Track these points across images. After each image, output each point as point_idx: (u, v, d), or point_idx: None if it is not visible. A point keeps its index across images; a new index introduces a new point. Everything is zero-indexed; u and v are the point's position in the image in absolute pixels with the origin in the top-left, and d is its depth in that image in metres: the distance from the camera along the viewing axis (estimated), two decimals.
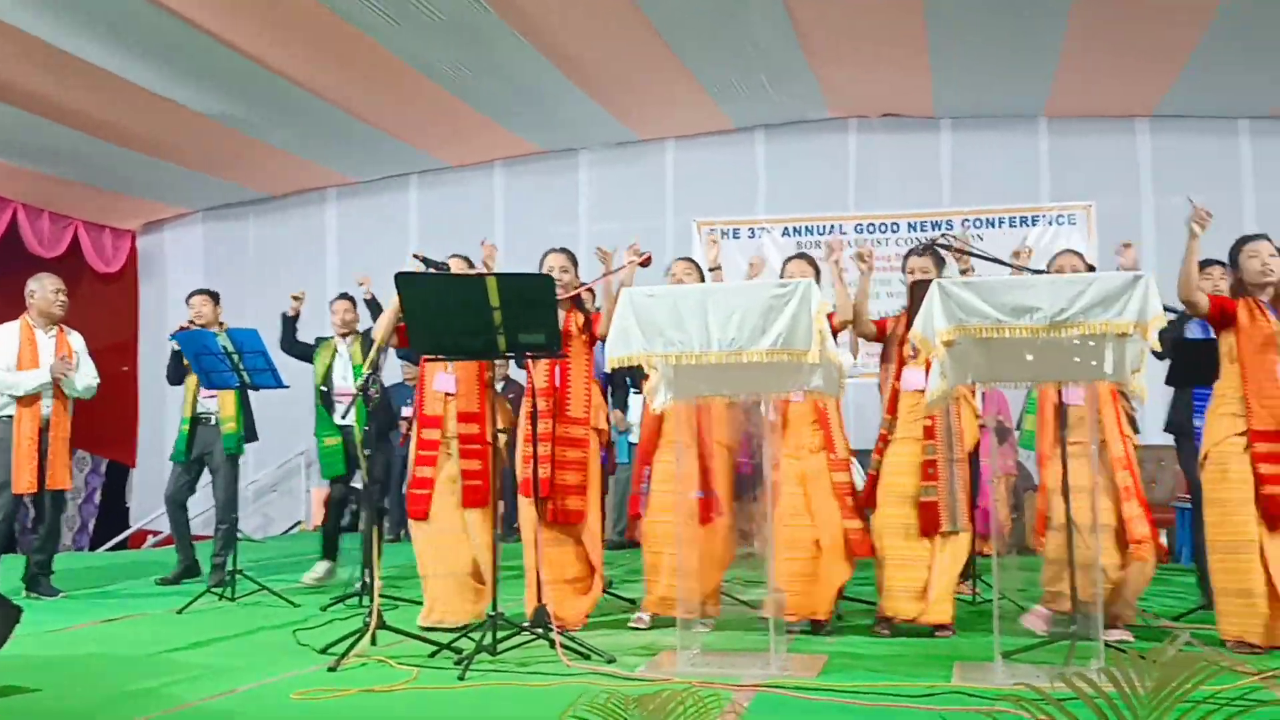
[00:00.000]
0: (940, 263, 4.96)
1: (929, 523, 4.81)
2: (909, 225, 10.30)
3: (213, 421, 6.72)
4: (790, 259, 5.35)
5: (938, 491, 4.83)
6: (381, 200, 11.47)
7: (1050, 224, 10.11)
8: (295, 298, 6.95)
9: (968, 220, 10.16)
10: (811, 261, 5.23)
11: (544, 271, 5.00)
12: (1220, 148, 9.78)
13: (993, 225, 10.17)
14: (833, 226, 10.39)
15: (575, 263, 5.22)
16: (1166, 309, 3.89)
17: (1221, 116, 9.69)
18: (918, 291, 3.98)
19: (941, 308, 3.81)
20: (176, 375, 6.84)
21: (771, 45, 8.61)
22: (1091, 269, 5.29)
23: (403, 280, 4.02)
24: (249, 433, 6.81)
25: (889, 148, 10.40)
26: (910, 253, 4.94)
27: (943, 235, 5.32)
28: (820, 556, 4.83)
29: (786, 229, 10.51)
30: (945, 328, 3.80)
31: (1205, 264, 5.54)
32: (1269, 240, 4.63)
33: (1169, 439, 5.98)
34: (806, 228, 10.50)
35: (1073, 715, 1.88)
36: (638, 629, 4.98)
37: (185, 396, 6.79)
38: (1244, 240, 4.70)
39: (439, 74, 8.75)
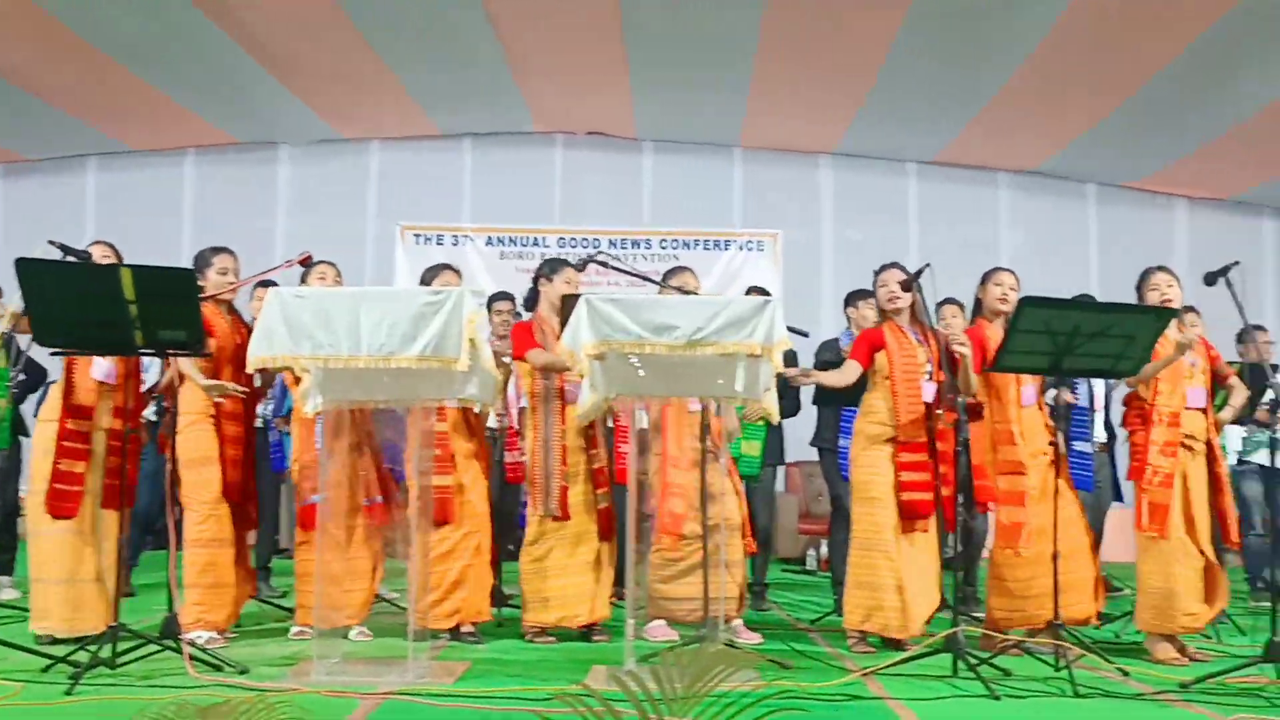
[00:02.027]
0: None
1: (605, 530, 4.98)
2: (611, 242, 10.55)
3: None
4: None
5: (609, 499, 5.01)
6: (54, 181, 10.61)
7: (741, 249, 10.62)
8: None
9: (665, 241, 10.53)
10: None
11: None
12: (892, 186, 10.64)
13: (689, 247, 10.58)
14: (538, 239, 10.52)
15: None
16: (793, 330, 4.19)
17: (893, 159, 10.54)
18: (568, 304, 4.09)
19: (588, 322, 3.93)
20: None
21: (477, 58, 8.65)
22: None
23: (23, 267, 3.74)
24: None
25: (594, 165, 10.64)
26: (561, 264, 5.08)
27: (597, 253, 5.46)
28: (474, 564, 4.85)
29: (491, 239, 10.54)
30: (591, 341, 3.93)
31: (944, 302, 6.05)
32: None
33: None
34: (511, 238, 10.57)
35: (616, 713, 1.98)
36: (301, 639, 4.82)
37: None
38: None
39: (122, 50, 8.23)
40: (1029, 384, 4.90)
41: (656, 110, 9.87)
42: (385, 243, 10.36)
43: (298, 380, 4.35)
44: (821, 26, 7.81)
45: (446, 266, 5.16)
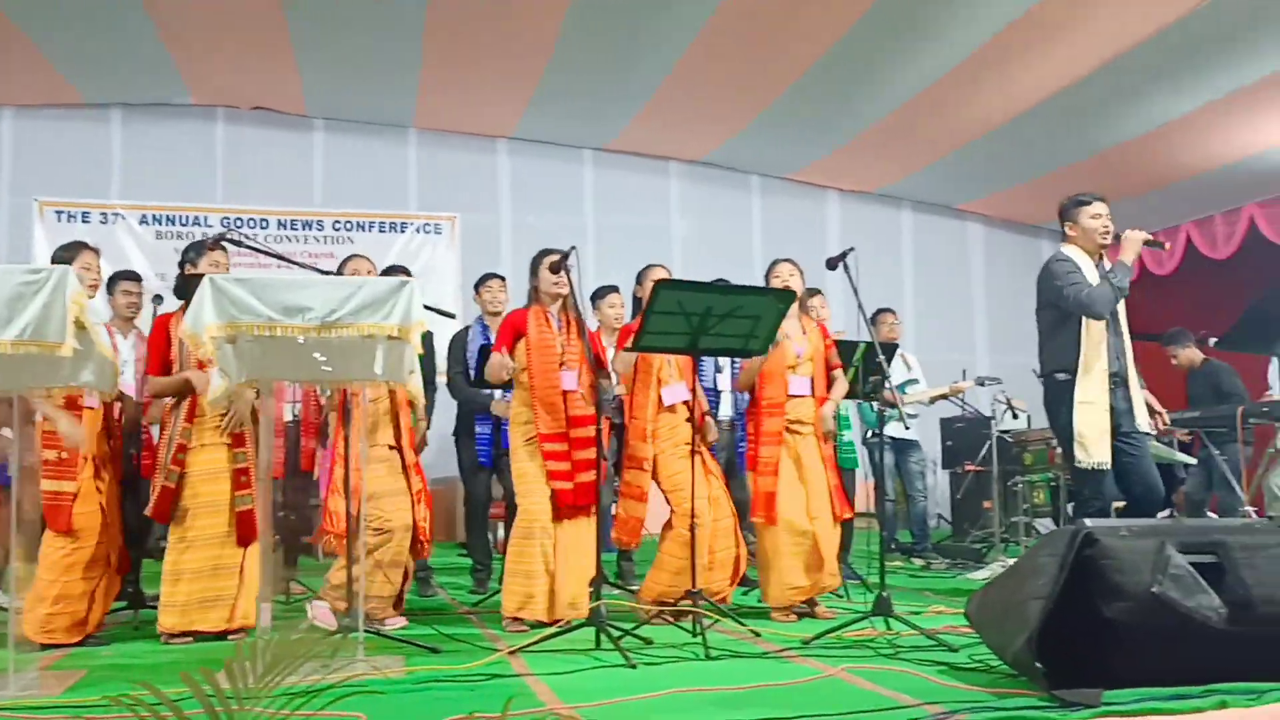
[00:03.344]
0: None
1: (246, 532, 4.71)
2: (279, 222, 10.12)
3: None
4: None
5: (253, 499, 4.74)
6: None
7: (419, 232, 10.47)
8: None
9: (339, 223, 10.21)
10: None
11: None
12: (568, 173, 10.79)
13: (364, 229, 10.31)
14: (198, 218, 9.91)
15: None
16: (437, 311, 4.14)
17: (569, 145, 10.69)
18: (188, 283, 3.86)
19: (213, 303, 3.72)
20: None
21: (123, 24, 8.01)
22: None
23: None
24: None
25: (260, 142, 10.14)
26: (203, 246, 4.78)
27: (231, 231, 5.21)
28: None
29: (145, 216, 9.83)
30: (216, 323, 3.71)
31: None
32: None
33: None
34: (169, 216, 9.90)
35: (180, 713, 1.87)
36: None
37: None
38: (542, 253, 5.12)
39: None
40: (674, 384, 5.14)
41: (326, 87, 9.52)
42: (22, 220, 9.44)
43: None
44: (488, 9, 7.79)
45: (83, 245, 4.74)
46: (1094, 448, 4.78)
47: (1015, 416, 8.20)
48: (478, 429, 6.16)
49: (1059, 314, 4.93)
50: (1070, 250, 4.98)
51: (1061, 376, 4.87)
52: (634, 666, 3.84)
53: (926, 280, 11.47)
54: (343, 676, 3.15)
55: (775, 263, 5.20)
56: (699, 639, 4.22)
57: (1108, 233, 4.98)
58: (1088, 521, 3.38)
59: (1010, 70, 7.93)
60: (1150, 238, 4.92)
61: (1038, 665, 3.23)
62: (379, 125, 10.31)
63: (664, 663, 3.96)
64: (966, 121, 9.01)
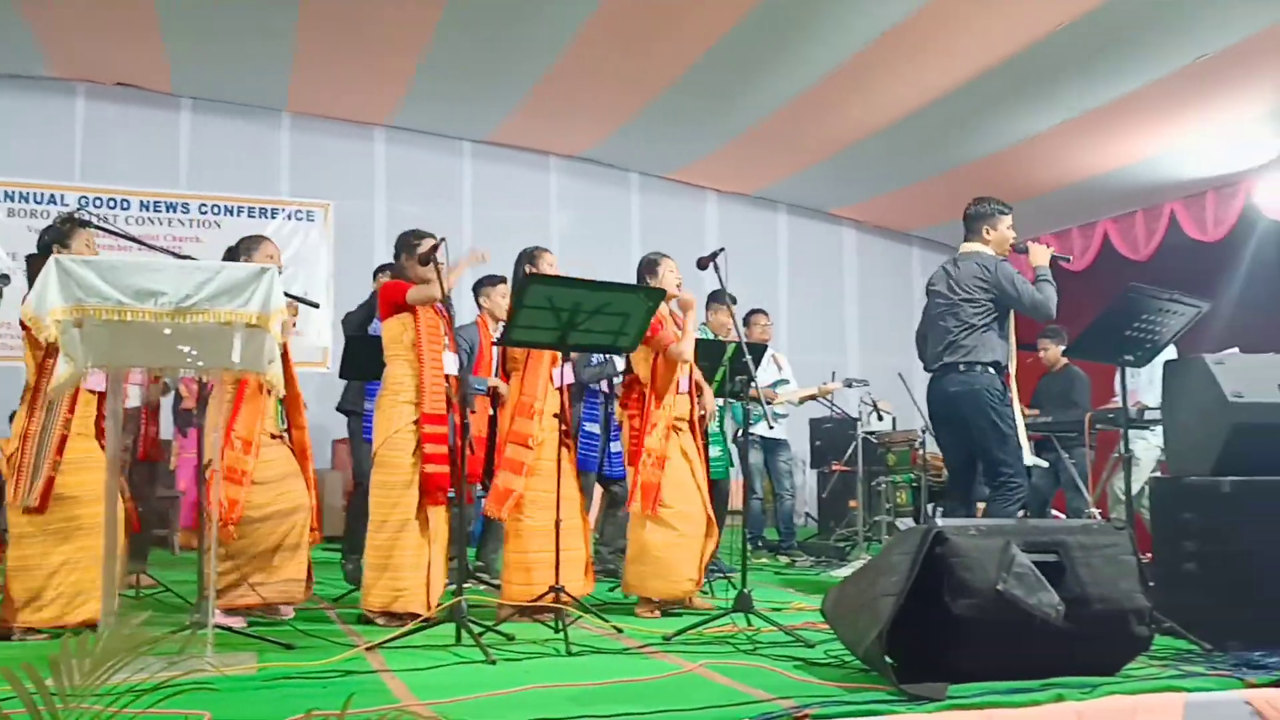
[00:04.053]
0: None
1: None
2: (142, 204, 9.78)
3: None
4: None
5: None
6: None
7: (290, 218, 10.22)
8: None
9: (205, 206, 9.90)
10: None
11: None
12: (447, 164, 10.66)
13: (232, 214, 10.02)
14: (54, 196, 9.48)
15: None
16: (300, 300, 4.04)
17: (448, 136, 10.56)
18: (34, 264, 3.68)
19: (58, 285, 3.55)
20: None
21: None
22: None
23: None
24: None
25: (123, 119, 9.75)
26: (75, 223, 4.54)
27: (81, 211, 5.00)
28: None
29: None
30: (61, 306, 3.55)
31: (753, 313, 6.03)
32: None
33: None
34: (23, 194, 9.46)
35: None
36: None
37: None
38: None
39: None
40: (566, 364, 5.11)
41: (194, 65, 9.20)
42: None
43: None
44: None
45: None
46: (1024, 442, 5.13)
47: (880, 418, 8.42)
48: (366, 405, 6.03)
49: (996, 310, 5.16)
50: (988, 251, 5.21)
51: (990, 369, 5.10)
52: (493, 662, 3.80)
53: (800, 282, 11.68)
54: (189, 673, 3.06)
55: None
56: (560, 635, 4.21)
57: (1014, 241, 5.33)
58: (939, 521, 3.49)
59: (884, 79, 8.12)
60: (1056, 255, 5.33)
61: (887, 660, 3.32)
62: (250, 107, 10.02)
63: (524, 658, 3.94)
64: (842, 128, 9.19)
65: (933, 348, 5.28)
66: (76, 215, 4.43)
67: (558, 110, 9.67)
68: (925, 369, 5.38)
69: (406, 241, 4.94)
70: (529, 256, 5.31)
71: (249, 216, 10.03)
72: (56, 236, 4.55)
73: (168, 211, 9.78)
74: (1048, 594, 3.37)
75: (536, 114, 9.77)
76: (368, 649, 4.04)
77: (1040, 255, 5.22)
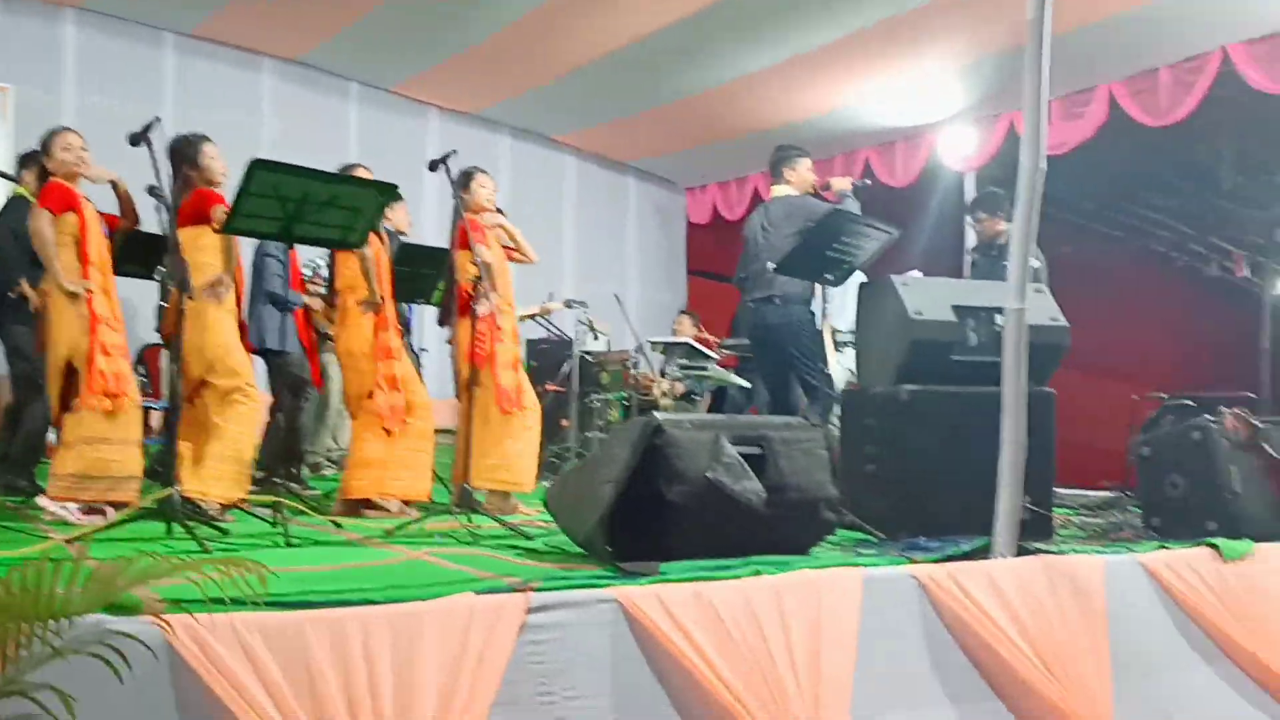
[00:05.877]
0: None
1: None
2: None
3: None
4: None
5: None
6: None
7: None
8: None
9: None
10: None
11: None
12: (147, 56, 9.87)
13: None
14: None
15: None
16: None
17: (149, 25, 9.79)
18: None
19: None
20: None
21: None
22: None
23: None
24: None
25: None
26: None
27: None
28: None
29: None
30: None
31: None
32: None
33: None
34: None
35: None
36: None
37: None
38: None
39: None
40: None
41: None
42: None
43: None
44: None
45: None
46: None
47: (596, 338, 8.68)
48: None
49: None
50: (794, 191, 5.87)
51: (802, 303, 5.86)
52: (209, 552, 3.71)
53: (521, 206, 11.68)
54: None
55: (473, 172, 5.72)
56: (279, 529, 4.16)
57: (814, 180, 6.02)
58: (656, 415, 3.72)
59: (610, 5, 8.25)
60: (855, 182, 6.02)
61: (607, 544, 3.52)
62: None
63: (240, 549, 3.87)
64: (566, 52, 9.26)
65: (752, 281, 5.94)
66: None
67: (274, 7, 9.18)
68: (747, 302, 6.07)
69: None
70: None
71: None
72: None
73: None
74: (752, 482, 3.68)
75: (250, 9, 9.21)
76: (68, 541, 3.83)
77: (841, 183, 5.92)
